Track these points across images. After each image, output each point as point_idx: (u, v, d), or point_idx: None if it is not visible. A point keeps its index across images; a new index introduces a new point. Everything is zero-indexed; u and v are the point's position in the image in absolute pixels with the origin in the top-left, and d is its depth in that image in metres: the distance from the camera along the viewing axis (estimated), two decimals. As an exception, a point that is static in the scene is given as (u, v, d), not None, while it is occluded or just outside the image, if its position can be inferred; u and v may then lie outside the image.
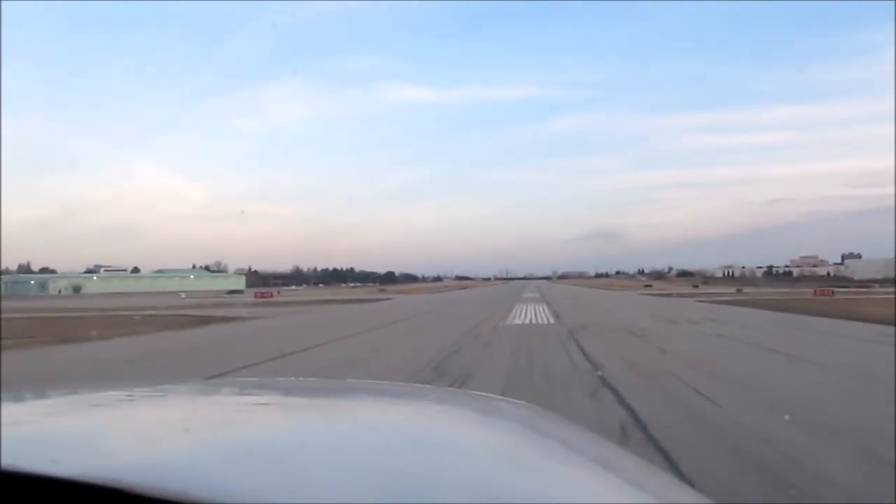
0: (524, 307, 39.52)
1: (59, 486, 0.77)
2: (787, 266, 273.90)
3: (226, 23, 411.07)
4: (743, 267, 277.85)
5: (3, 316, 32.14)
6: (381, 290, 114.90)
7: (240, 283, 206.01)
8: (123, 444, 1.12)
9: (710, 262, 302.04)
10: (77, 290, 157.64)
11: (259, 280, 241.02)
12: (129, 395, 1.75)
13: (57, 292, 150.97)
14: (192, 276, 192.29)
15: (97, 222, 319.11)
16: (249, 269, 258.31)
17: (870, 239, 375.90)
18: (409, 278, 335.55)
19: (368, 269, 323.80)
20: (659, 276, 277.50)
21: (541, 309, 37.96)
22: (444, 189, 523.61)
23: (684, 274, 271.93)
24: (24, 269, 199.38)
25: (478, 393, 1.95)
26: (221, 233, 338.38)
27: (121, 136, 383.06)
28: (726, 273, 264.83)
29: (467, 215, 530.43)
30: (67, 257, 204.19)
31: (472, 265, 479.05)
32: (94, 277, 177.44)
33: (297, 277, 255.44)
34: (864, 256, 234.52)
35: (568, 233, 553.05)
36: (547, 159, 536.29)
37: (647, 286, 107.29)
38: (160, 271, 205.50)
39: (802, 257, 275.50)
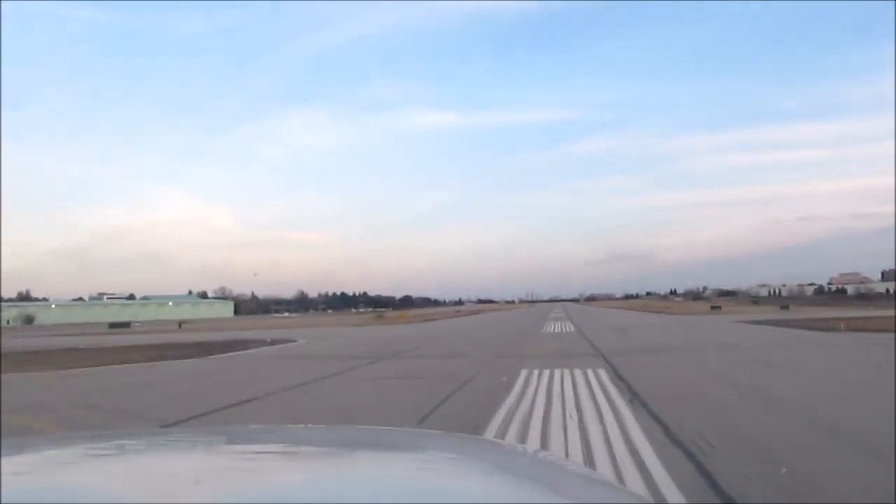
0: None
1: None
2: (829, 283, 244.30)
3: (251, 51, 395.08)
4: (784, 285, 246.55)
5: None
6: (379, 318, 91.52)
7: (227, 311, 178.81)
8: (133, 495, 1.07)
9: (739, 281, 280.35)
10: (29, 320, 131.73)
11: (259, 306, 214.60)
12: (136, 443, 1.66)
13: (6, 322, 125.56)
14: (170, 303, 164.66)
15: (124, 251, 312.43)
16: (252, 294, 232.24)
17: None
18: (427, 302, 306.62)
19: (388, 293, 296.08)
20: (696, 296, 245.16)
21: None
22: (468, 212, 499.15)
23: (726, 294, 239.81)
24: (24, 298, 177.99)
25: (492, 440, 1.85)
26: (245, 259, 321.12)
27: (146, 164, 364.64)
28: (772, 292, 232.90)
29: (490, 238, 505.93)
30: (89, 286, 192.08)
31: (497, 288, 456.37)
32: (53, 306, 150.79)
33: (302, 303, 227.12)
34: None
35: (593, 254, 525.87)
36: (570, 180, 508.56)
37: (714, 308, 76.07)
38: (145, 298, 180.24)
39: (843, 274, 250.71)
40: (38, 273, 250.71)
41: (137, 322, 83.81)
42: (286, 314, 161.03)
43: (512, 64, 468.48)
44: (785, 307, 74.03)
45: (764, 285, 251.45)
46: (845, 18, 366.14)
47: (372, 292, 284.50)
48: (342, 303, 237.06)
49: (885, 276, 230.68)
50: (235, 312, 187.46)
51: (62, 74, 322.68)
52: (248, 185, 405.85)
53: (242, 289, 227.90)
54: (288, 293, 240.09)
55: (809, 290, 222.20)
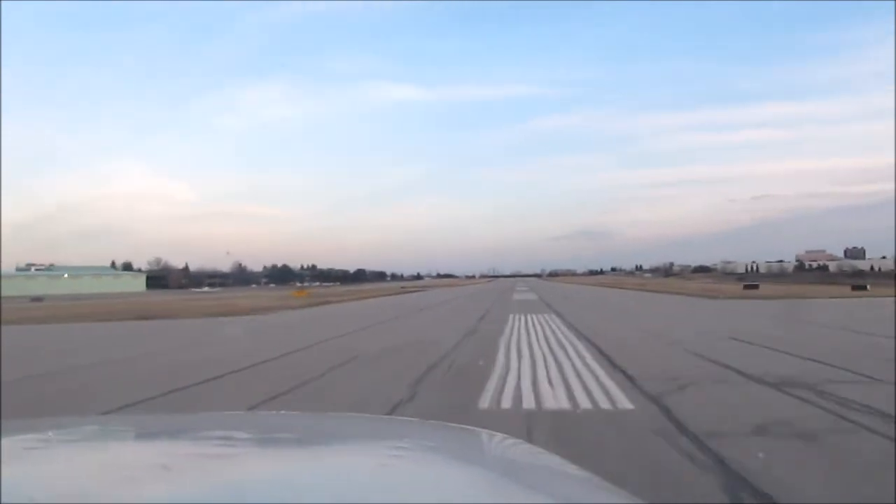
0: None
1: None
2: (798, 260, 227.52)
3: (212, 22, 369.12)
4: (753, 261, 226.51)
5: None
6: (299, 294, 65.10)
7: (138, 284, 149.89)
8: (100, 481, 1.01)
9: (698, 258, 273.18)
10: None
11: (191, 280, 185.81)
12: (104, 429, 1.60)
13: None
14: (65, 275, 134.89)
15: (83, 223, 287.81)
16: (186, 266, 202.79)
17: (858, 235, 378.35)
18: (381, 277, 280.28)
19: (346, 267, 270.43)
20: (667, 272, 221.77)
21: None
22: (431, 187, 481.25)
23: (700, 270, 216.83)
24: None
25: (466, 427, 1.74)
26: (204, 232, 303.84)
27: (107, 136, 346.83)
28: (749, 268, 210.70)
29: (453, 213, 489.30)
30: (46, 258, 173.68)
31: (459, 263, 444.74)
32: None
33: (240, 276, 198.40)
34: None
35: (555, 230, 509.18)
36: (534, 157, 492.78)
37: (749, 287, 49.67)
38: (50, 268, 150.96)
39: (808, 251, 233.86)
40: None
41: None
42: (206, 289, 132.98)
43: (477, 40, 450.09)
44: (860, 287, 48.64)
45: (729, 262, 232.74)
46: (804, 3, 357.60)
47: (330, 266, 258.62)
48: (285, 276, 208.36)
49: (847, 254, 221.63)
50: (165, 286, 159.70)
51: (21, 47, 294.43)
52: (208, 158, 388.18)
53: (202, 262, 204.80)
54: (251, 266, 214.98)
55: (789, 268, 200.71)
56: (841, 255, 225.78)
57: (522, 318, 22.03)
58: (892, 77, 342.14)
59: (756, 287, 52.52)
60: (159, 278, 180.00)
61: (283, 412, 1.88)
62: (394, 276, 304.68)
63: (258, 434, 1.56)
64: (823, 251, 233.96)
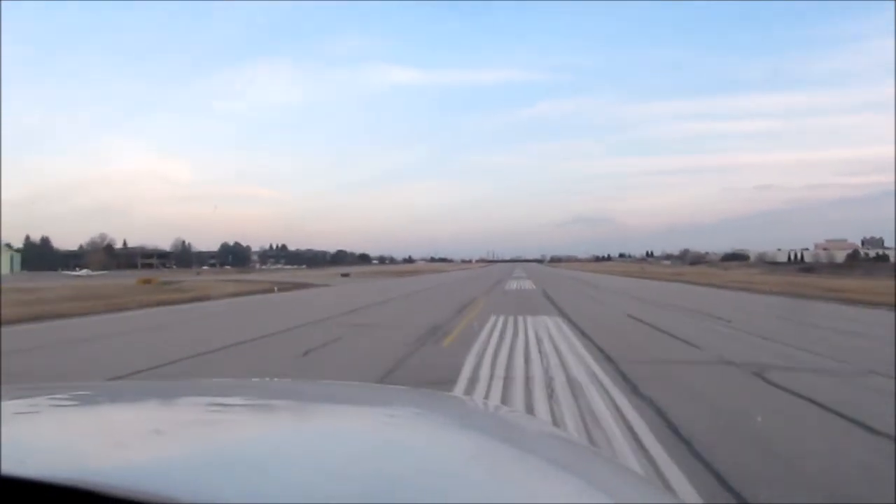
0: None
1: (27, 487, 0.68)
2: (825, 249, 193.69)
3: (212, 2, 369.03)
4: (790, 249, 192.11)
5: None
6: (146, 282, 42.98)
7: (5, 264, 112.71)
8: (92, 445, 1.00)
9: (705, 246, 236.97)
10: None
11: (118, 261, 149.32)
12: (96, 395, 1.58)
13: None
14: None
15: (78, 202, 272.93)
16: (124, 243, 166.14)
17: (863, 224, 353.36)
18: (364, 260, 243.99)
19: (326, 248, 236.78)
20: (694, 259, 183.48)
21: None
22: (430, 171, 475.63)
23: (733, 257, 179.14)
24: None
25: (455, 395, 1.68)
26: (197, 213, 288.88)
27: (105, 116, 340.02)
28: (792, 256, 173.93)
29: (452, 197, 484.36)
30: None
31: (457, 247, 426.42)
32: None
33: (182, 257, 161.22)
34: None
35: (556, 216, 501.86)
36: (535, 142, 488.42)
37: None
38: None
39: (829, 240, 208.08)
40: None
41: None
42: (83, 272, 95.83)
43: (476, 24, 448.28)
44: None
45: (741, 250, 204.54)
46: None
47: (308, 247, 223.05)
48: (239, 257, 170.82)
49: (865, 243, 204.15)
50: (83, 266, 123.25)
51: (18, 23, 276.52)
52: (206, 138, 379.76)
53: (193, 242, 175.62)
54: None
55: (839, 257, 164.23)
56: (859, 244, 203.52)
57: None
58: (892, 69, 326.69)
59: None
60: (76, 257, 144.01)
61: (275, 379, 2.00)
62: (382, 260, 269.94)
63: (250, 400, 1.54)
64: (845, 240, 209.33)
